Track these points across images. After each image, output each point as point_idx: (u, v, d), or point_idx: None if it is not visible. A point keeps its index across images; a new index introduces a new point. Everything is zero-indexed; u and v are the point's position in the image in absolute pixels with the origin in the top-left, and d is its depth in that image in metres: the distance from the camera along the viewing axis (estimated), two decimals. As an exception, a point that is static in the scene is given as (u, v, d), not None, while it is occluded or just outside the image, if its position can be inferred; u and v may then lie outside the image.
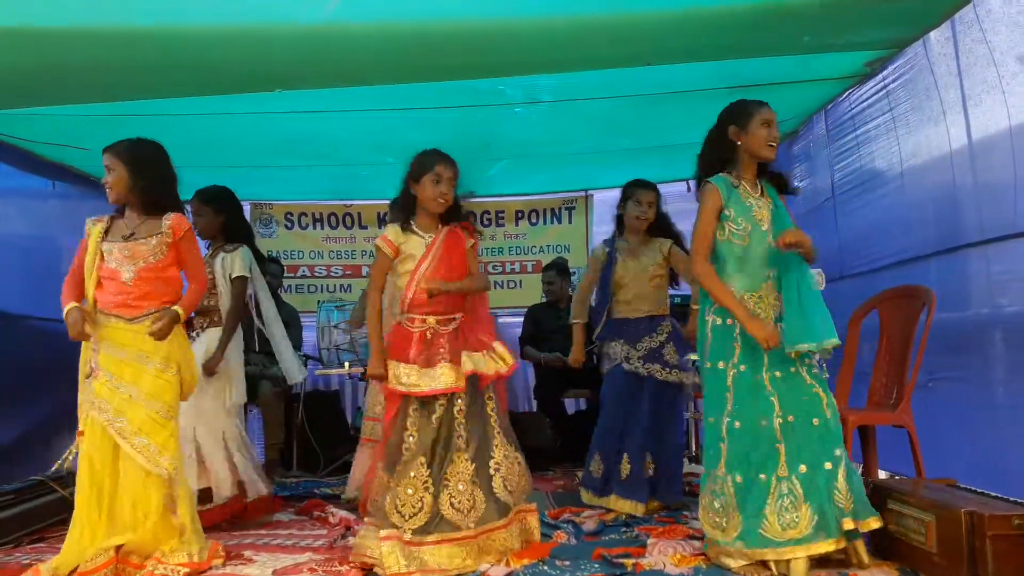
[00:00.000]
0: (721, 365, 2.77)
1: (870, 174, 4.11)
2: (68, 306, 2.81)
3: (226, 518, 3.53)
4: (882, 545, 2.76)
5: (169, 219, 2.92)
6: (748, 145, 2.82)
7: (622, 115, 4.39)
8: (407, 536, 2.73)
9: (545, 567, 2.74)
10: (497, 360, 2.95)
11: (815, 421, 2.66)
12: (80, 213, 5.09)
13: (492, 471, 2.86)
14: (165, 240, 2.90)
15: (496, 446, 2.90)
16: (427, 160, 2.96)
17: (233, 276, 3.69)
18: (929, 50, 3.50)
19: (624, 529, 3.28)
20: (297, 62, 3.46)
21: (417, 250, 2.96)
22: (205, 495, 3.48)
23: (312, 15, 2.95)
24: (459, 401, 2.88)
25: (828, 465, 2.61)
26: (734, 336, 2.75)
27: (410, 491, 2.77)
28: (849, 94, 4.19)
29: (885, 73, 3.83)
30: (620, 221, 3.89)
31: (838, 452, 2.64)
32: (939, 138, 3.49)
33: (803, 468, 2.61)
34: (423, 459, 2.81)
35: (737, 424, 2.70)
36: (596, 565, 2.73)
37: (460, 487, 2.80)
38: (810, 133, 4.78)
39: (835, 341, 2.67)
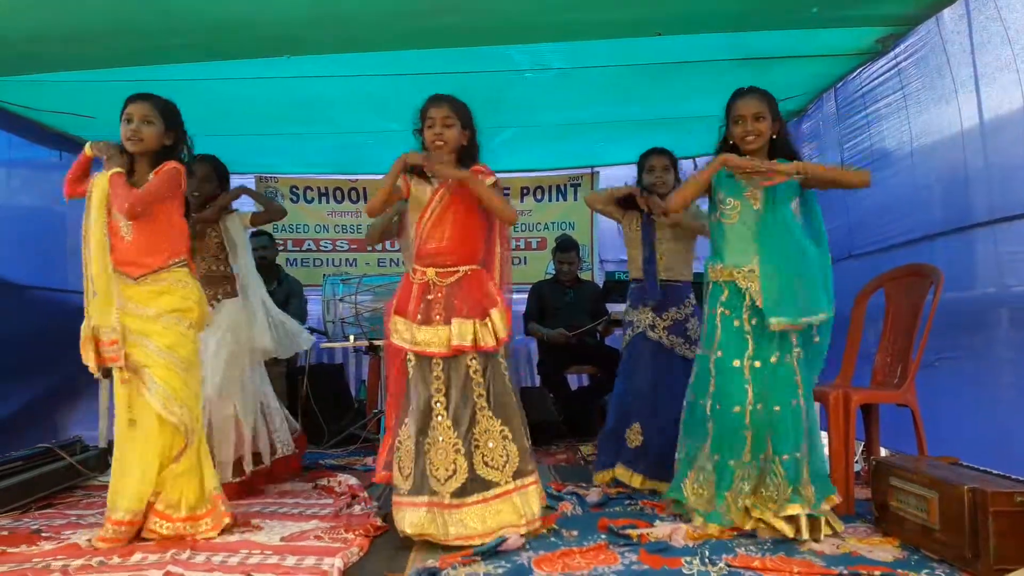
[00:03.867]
0: (706, 351, 2.93)
1: (880, 153, 4.09)
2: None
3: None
4: (883, 521, 2.79)
5: (165, 166, 2.87)
6: (733, 139, 2.93)
7: (631, 85, 4.36)
8: (445, 499, 2.71)
9: (552, 537, 2.77)
10: (490, 330, 2.79)
11: (775, 408, 2.78)
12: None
13: (472, 444, 2.76)
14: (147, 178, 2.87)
15: (478, 419, 2.79)
16: (423, 107, 2.92)
17: (250, 216, 3.83)
18: (942, 27, 3.46)
19: (628, 502, 3.30)
20: (306, 24, 3.43)
21: (423, 194, 2.88)
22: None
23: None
24: (466, 363, 2.79)
25: (785, 457, 2.75)
26: (715, 324, 2.89)
27: (442, 455, 2.75)
28: (860, 72, 4.16)
29: (897, 51, 3.79)
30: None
31: (800, 449, 2.76)
32: (950, 117, 3.46)
33: (762, 456, 2.79)
34: (430, 418, 2.78)
35: (718, 407, 2.84)
36: (602, 536, 2.76)
37: (440, 454, 2.75)
38: (819, 111, 4.75)
39: (823, 315, 2.80)
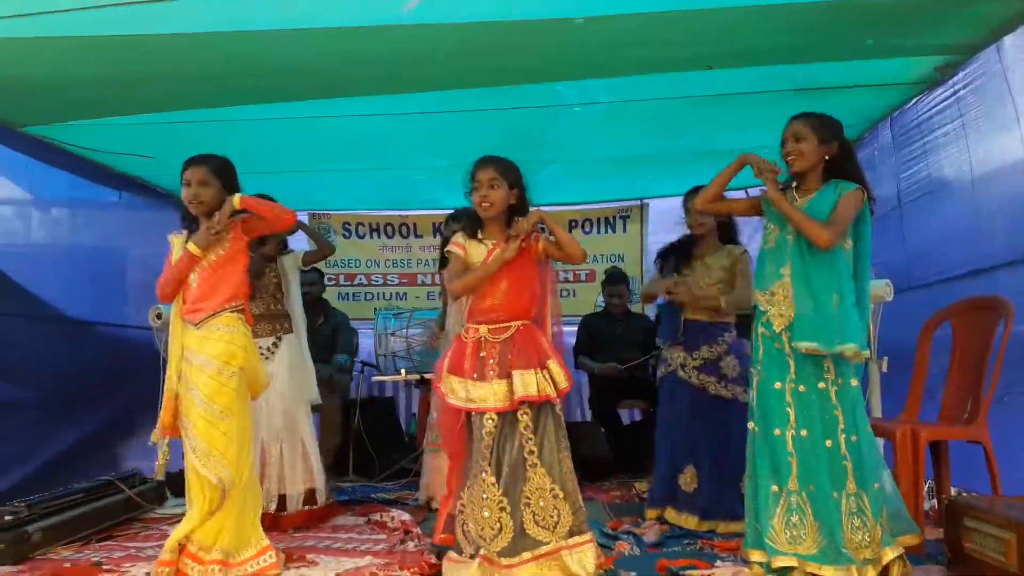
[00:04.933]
0: (753, 371, 2.87)
1: (938, 183, 4.01)
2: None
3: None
4: (957, 563, 2.68)
5: (232, 224, 2.95)
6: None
7: (681, 117, 4.34)
8: (494, 558, 2.66)
9: (609, 578, 2.72)
10: (548, 381, 2.76)
11: (827, 443, 2.68)
12: (145, 223, 5.30)
13: (523, 503, 2.70)
14: (225, 235, 2.94)
15: (529, 476, 2.72)
16: (469, 174, 2.94)
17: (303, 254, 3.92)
18: (1003, 55, 3.40)
19: (687, 542, 3.22)
20: (361, 66, 3.51)
21: (479, 257, 2.91)
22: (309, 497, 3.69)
23: (384, 18, 2.98)
24: (516, 418, 2.76)
25: (835, 495, 2.65)
26: (757, 344, 2.85)
27: (486, 513, 2.71)
28: (917, 101, 4.09)
29: (956, 79, 3.73)
30: None
31: (845, 488, 2.65)
32: (1013, 145, 3.38)
33: (812, 487, 2.66)
34: (487, 477, 2.73)
35: (756, 429, 2.78)
36: (662, 577, 2.70)
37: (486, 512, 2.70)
38: (875, 141, 4.68)
39: (852, 347, 2.67)
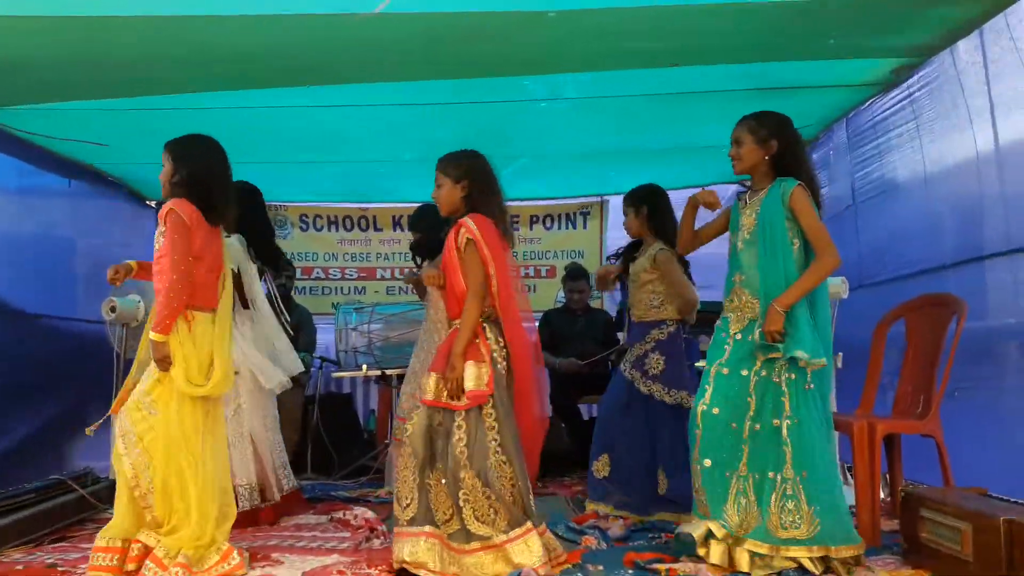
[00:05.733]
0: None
1: (892, 183, 4.11)
2: None
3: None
4: (913, 553, 2.76)
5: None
6: None
7: (643, 114, 4.37)
8: (446, 540, 2.72)
9: (578, 572, 2.73)
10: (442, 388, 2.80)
11: (775, 422, 2.76)
12: (95, 211, 5.14)
13: (461, 501, 2.71)
14: (160, 229, 2.87)
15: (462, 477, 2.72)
16: None
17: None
18: (957, 58, 3.50)
19: (651, 536, 3.26)
20: (322, 53, 3.44)
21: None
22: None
23: (350, 6, 2.93)
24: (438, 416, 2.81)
25: (771, 475, 2.73)
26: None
27: (442, 497, 2.76)
28: (872, 102, 4.18)
29: (911, 81, 3.82)
30: None
31: (781, 471, 2.72)
32: (965, 147, 3.49)
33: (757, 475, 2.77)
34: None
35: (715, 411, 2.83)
36: (629, 571, 2.72)
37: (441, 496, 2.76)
38: (830, 141, 4.78)
39: (822, 361, 2.78)
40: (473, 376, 2.75)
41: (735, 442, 2.78)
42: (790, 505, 2.68)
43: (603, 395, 3.93)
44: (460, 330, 2.79)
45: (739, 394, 2.80)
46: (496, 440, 2.75)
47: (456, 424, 2.75)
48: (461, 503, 2.69)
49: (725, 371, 2.84)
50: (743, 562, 2.68)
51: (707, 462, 2.78)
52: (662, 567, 2.70)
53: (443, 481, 2.74)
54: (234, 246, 3.67)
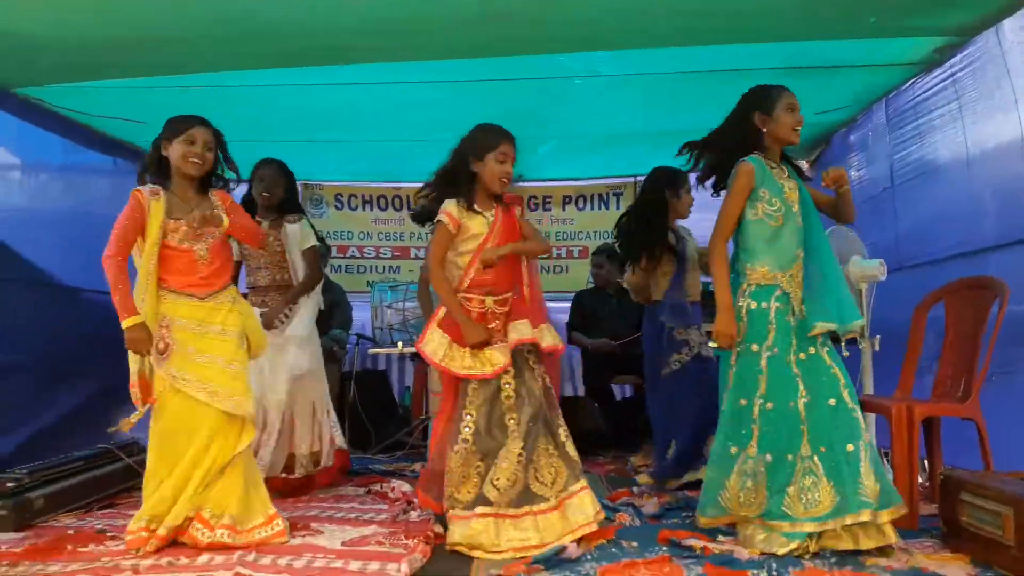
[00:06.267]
0: (755, 348, 2.81)
1: (932, 165, 4.05)
2: (132, 321, 2.84)
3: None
4: (952, 536, 2.75)
5: (214, 194, 3.07)
6: (774, 131, 2.91)
7: (678, 93, 4.35)
8: (502, 509, 2.77)
9: (613, 548, 2.76)
10: (541, 334, 2.97)
11: (831, 401, 2.72)
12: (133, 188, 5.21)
13: (528, 459, 2.83)
14: (220, 214, 3.04)
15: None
16: (492, 138, 2.91)
17: (305, 248, 3.81)
18: (1002, 38, 3.43)
19: (685, 515, 3.27)
20: (357, 33, 3.48)
21: (481, 228, 2.95)
22: (290, 462, 3.74)
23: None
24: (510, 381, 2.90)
25: (850, 447, 2.67)
26: (768, 320, 2.81)
27: (505, 465, 2.80)
28: (913, 83, 4.12)
29: (953, 61, 3.76)
30: None
31: (862, 438, 2.69)
32: (1009, 128, 3.42)
33: (823, 448, 2.69)
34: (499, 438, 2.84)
35: (770, 406, 2.76)
36: (663, 548, 2.74)
37: (505, 466, 2.81)
38: (869, 122, 4.71)
39: (860, 322, 2.80)
40: (551, 332, 3.02)
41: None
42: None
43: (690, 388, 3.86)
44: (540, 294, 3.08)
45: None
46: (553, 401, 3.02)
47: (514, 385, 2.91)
48: (528, 463, 2.82)
49: (803, 356, 2.81)
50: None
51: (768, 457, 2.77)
52: (697, 544, 2.72)
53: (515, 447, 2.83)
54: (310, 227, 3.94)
